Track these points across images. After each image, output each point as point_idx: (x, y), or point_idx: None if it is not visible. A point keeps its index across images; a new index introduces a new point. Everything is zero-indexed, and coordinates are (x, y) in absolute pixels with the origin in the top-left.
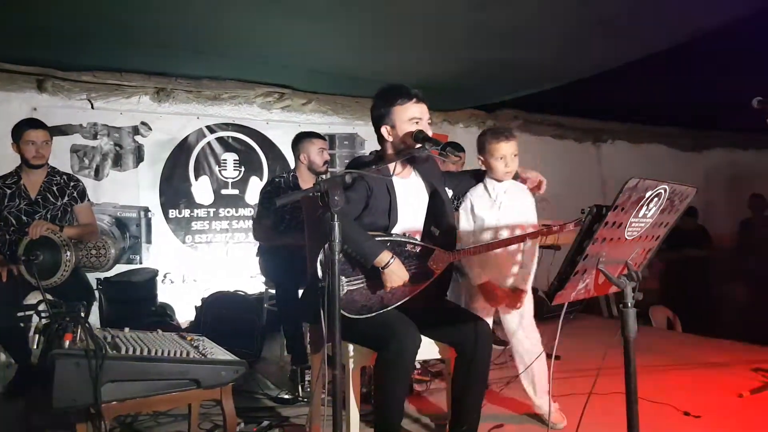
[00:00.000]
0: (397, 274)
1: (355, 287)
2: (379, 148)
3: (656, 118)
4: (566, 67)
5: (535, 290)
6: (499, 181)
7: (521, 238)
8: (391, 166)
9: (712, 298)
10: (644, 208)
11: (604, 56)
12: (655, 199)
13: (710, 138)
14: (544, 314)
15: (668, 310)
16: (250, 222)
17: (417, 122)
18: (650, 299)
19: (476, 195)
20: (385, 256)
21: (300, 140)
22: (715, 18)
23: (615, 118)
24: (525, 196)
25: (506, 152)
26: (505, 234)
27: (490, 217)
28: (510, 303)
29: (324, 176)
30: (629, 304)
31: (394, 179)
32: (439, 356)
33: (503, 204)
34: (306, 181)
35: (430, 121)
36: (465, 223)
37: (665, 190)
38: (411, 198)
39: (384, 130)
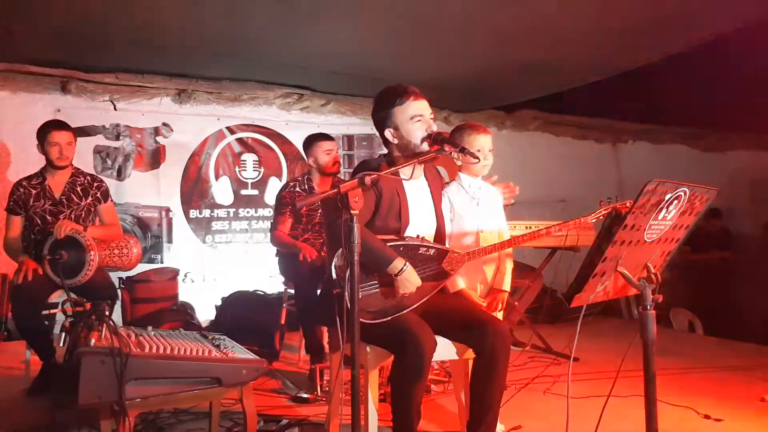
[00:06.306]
0: (410, 281)
1: (369, 292)
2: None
3: (678, 119)
4: (587, 68)
5: (554, 292)
6: (474, 177)
7: (539, 234)
8: (408, 169)
9: (735, 301)
10: (664, 210)
11: (625, 57)
12: (675, 201)
13: (733, 139)
14: (563, 316)
15: (689, 312)
16: (269, 222)
17: (420, 119)
18: (671, 301)
19: (453, 192)
20: (398, 264)
21: (308, 144)
22: (737, 20)
23: (636, 118)
24: (497, 195)
25: (484, 145)
26: (488, 231)
27: (470, 214)
28: (490, 306)
29: (339, 177)
30: (649, 307)
31: (404, 181)
32: (457, 357)
33: (481, 200)
34: (319, 184)
35: (432, 116)
36: (448, 222)
37: (685, 193)
38: (421, 199)
39: (388, 132)
